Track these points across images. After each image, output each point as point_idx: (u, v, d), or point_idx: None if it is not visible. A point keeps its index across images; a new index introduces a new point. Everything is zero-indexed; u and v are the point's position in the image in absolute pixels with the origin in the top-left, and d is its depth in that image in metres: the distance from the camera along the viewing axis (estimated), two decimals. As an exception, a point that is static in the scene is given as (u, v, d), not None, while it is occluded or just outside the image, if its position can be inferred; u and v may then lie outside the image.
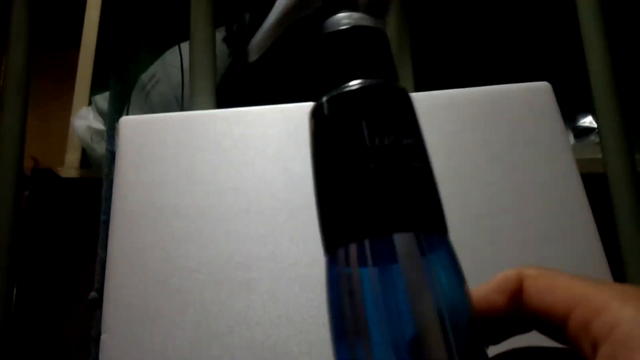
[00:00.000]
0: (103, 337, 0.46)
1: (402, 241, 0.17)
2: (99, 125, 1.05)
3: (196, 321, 0.45)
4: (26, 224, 1.04)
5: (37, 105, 1.61)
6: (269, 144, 0.53)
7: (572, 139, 1.04)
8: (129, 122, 0.56)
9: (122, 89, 1.05)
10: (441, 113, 0.52)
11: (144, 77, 1.08)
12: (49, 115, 1.59)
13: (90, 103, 1.12)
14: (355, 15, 0.20)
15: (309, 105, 0.60)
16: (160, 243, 0.49)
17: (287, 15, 0.23)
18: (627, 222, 0.68)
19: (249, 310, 0.45)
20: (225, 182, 0.51)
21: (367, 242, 0.18)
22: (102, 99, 1.06)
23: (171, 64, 1.06)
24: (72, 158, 1.11)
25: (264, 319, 0.44)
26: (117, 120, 0.57)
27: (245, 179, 0.51)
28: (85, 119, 1.06)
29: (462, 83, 0.55)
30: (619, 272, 0.64)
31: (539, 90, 0.53)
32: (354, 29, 0.20)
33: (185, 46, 1.02)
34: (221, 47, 1.10)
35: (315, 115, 0.21)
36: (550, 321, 0.18)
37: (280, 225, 0.48)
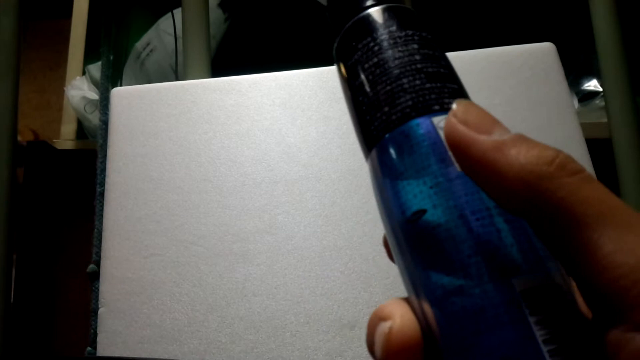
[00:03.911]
0: (101, 310, 0.45)
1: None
2: (94, 95, 1.04)
3: (193, 293, 0.45)
4: (23, 197, 1.04)
5: (34, 77, 1.59)
6: (263, 114, 0.52)
7: (576, 103, 1.01)
8: (120, 93, 0.55)
9: (115, 58, 1.03)
10: (441, 78, 0.50)
11: (139, 45, 1.06)
12: (46, 87, 1.57)
13: (84, 73, 1.11)
14: None
15: (303, 73, 0.59)
16: (156, 216, 0.48)
17: None
18: (632, 188, 0.67)
19: (246, 282, 0.45)
20: (219, 153, 0.50)
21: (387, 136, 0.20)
22: (96, 69, 1.04)
23: (165, 31, 1.03)
24: (67, 129, 1.10)
25: (261, 291, 0.44)
26: (111, 89, 0.56)
27: (240, 151, 0.50)
28: (80, 89, 1.05)
29: (462, 45, 0.53)
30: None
31: (543, 51, 0.51)
32: None
33: (178, 13, 1.00)
34: (217, 13, 1.07)
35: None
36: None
37: (276, 197, 0.48)
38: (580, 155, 0.46)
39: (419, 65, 0.20)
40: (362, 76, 0.21)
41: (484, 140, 0.17)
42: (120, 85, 1.04)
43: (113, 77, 0.97)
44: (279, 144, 0.50)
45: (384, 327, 0.18)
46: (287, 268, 0.45)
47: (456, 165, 0.18)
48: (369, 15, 0.22)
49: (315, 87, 0.52)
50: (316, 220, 0.46)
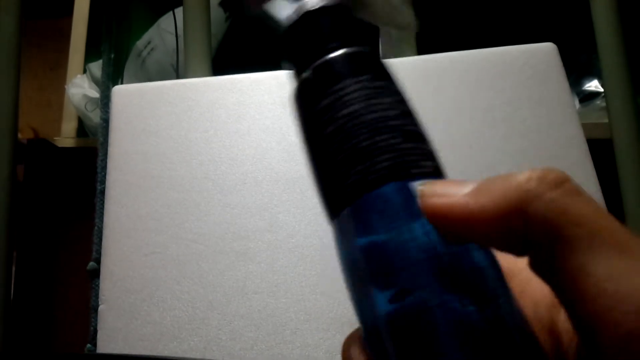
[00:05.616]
0: (101, 307, 0.45)
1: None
2: (94, 93, 1.04)
3: (194, 291, 0.45)
4: (24, 195, 1.04)
5: (35, 75, 1.59)
6: (264, 113, 0.52)
7: (577, 104, 1.02)
8: (121, 92, 0.55)
9: (116, 56, 1.03)
10: (444, 76, 0.51)
11: (140, 44, 1.06)
12: (46, 85, 1.57)
13: (85, 71, 1.11)
14: None
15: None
16: (157, 214, 0.48)
17: None
18: (632, 188, 0.67)
19: (247, 280, 0.45)
20: (220, 152, 0.50)
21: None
22: (97, 67, 1.04)
23: (166, 30, 1.03)
24: (68, 127, 1.10)
25: (261, 289, 0.44)
26: (111, 88, 0.56)
27: (241, 149, 0.50)
28: (80, 87, 1.05)
29: (463, 45, 0.53)
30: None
31: (544, 52, 0.51)
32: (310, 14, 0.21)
33: (179, 11, 1.00)
34: (217, 12, 1.07)
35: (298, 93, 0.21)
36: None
37: (277, 195, 0.48)
38: (581, 155, 0.46)
39: (394, 122, 0.19)
40: (333, 126, 0.19)
41: (460, 196, 0.17)
42: (121, 84, 1.04)
43: (114, 76, 0.97)
44: (279, 143, 0.50)
45: None
46: (288, 266, 0.45)
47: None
48: (341, 58, 0.20)
49: (316, 86, 0.52)
50: (317, 218, 0.46)
